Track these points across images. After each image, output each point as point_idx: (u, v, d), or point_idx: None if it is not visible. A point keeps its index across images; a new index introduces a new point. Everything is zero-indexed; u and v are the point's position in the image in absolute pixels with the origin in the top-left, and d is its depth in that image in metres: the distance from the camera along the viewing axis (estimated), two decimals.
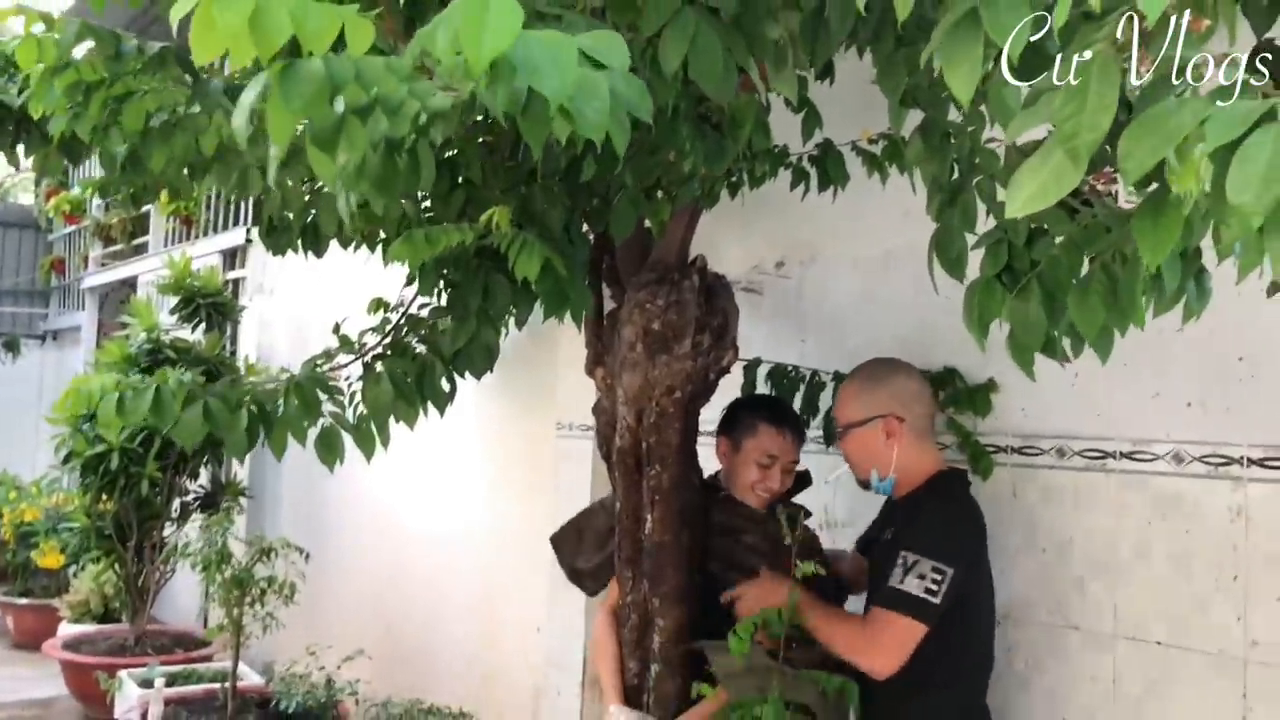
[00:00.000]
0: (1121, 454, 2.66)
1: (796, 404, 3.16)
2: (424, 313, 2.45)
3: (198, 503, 6.40)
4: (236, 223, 7.51)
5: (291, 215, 2.55)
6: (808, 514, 2.80)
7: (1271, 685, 2.35)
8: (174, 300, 6.47)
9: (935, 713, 2.50)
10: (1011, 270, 1.34)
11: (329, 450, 2.17)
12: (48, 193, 11.93)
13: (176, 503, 6.29)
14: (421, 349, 2.32)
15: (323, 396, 2.15)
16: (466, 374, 2.36)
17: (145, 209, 9.08)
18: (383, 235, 2.70)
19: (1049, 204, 0.87)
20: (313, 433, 2.17)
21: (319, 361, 2.27)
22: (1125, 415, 2.66)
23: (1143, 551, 2.60)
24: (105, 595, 6.93)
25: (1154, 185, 0.96)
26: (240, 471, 6.84)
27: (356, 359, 2.32)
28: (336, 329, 2.44)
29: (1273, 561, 2.38)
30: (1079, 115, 0.85)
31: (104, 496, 6.00)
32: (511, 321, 2.73)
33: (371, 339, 2.35)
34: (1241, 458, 2.43)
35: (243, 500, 6.47)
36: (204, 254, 7.54)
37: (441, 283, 2.28)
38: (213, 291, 6.35)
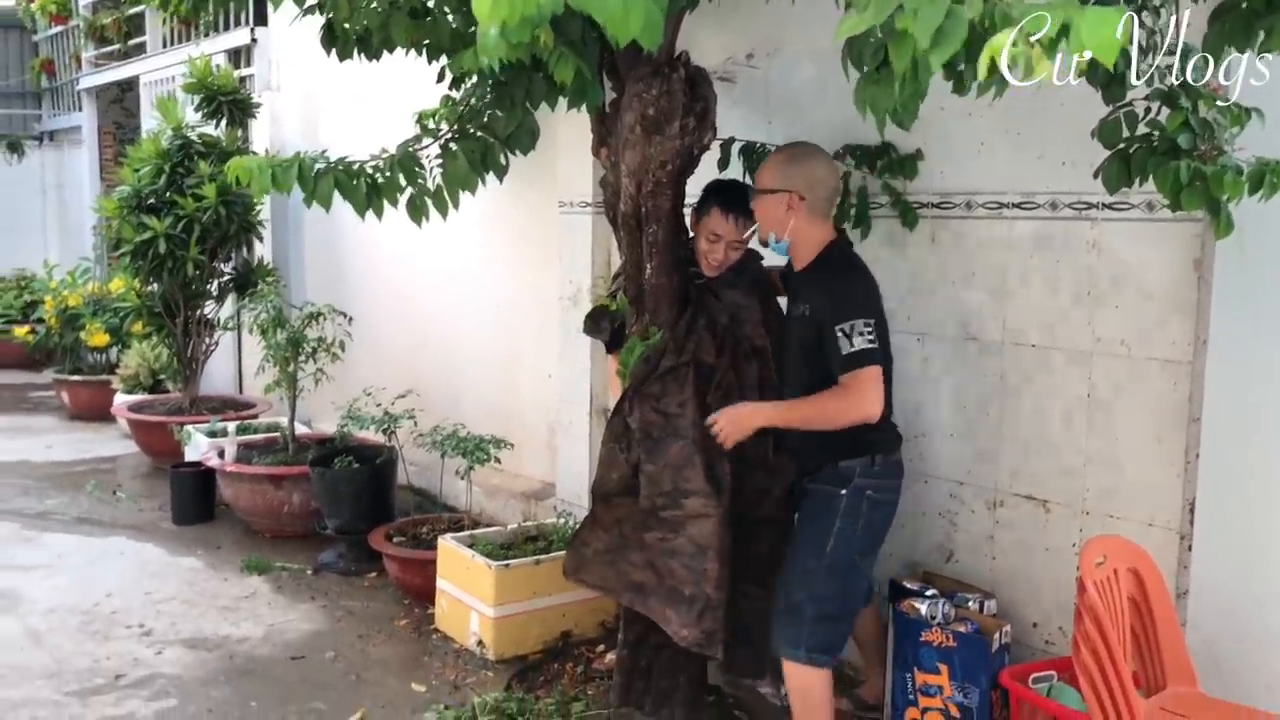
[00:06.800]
0: (1013, 204, 3.44)
1: None
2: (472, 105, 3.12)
3: (232, 283, 7.15)
4: (239, 23, 7.92)
5: (359, 25, 3.15)
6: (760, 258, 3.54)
7: (1108, 370, 3.23)
8: (185, 97, 7.00)
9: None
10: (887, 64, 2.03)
11: (415, 211, 2.91)
12: None
13: (214, 284, 7.04)
14: (480, 134, 3.03)
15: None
16: (517, 151, 3.07)
17: (140, 8, 9.40)
18: (427, 42, 3.34)
19: (868, 25, 1.55)
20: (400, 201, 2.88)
21: (410, 144, 2.98)
22: (1017, 173, 3.42)
23: (1025, 278, 3.42)
24: (153, 369, 7.77)
25: None
26: (265, 254, 7.55)
27: (434, 142, 3.02)
28: (419, 119, 3.13)
29: (1115, 279, 3.20)
30: None
31: (150, 279, 6.74)
32: None
33: (444, 127, 3.05)
34: (1098, 203, 3.21)
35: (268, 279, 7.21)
36: (209, 53, 7.96)
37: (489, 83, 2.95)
38: (231, 89, 6.88)
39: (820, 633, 3.09)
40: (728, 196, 3.47)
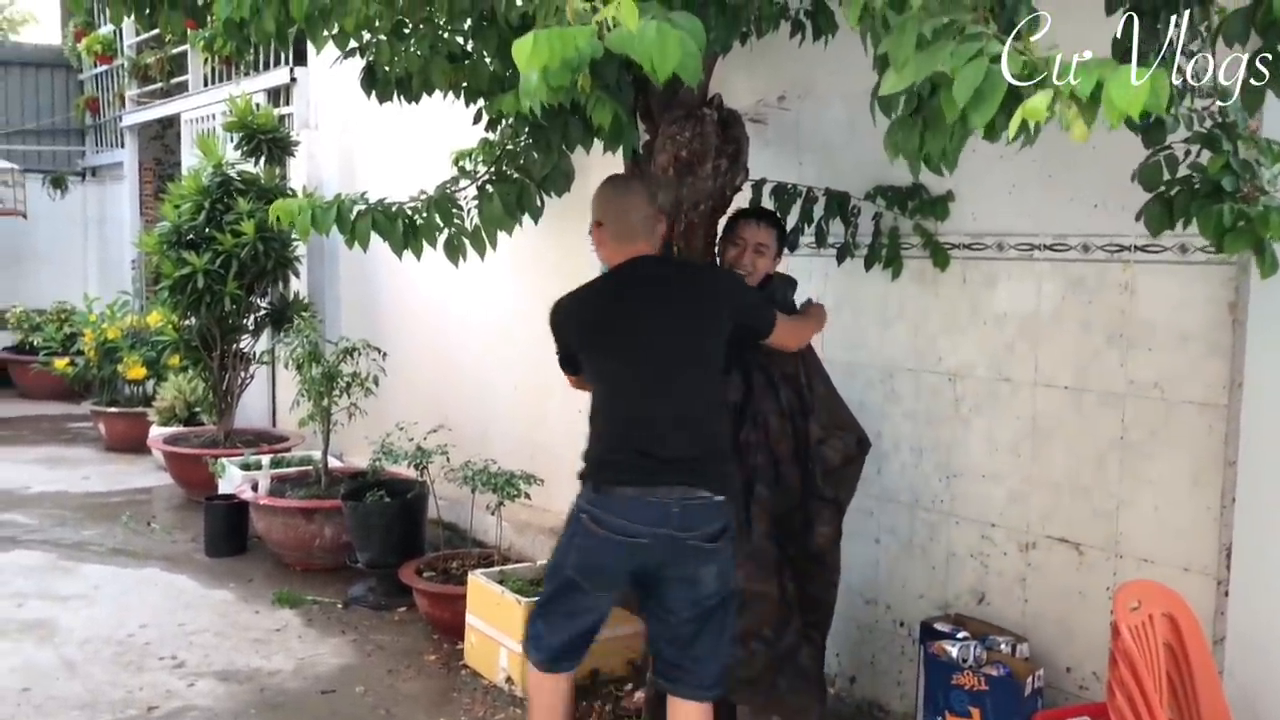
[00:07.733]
0: (1045, 246, 3.45)
1: (794, 215, 3.91)
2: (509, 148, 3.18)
3: (268, 318, 7.24)
4: (279, 63, 8.07)
5: (400, 69, 3.22)
6: (794, 282, 3.60)
7: (1141, 412, 3.21)
8: (224, 135, 7.14)
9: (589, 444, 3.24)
10: (919, 110, 2.06)
11: (453, 251, 2.96)
12: (76, 33, 12.34)
13: (251, 318, 7.14)
14: (516, 175, 3.08)
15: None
16: (552, 193, 3.12)
17: (183, 49, 9.61)
18: (465, 85, 3.40)
19: (907, 85, 1.58)
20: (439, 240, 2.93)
21: (447, 186, 3.04)
22: (1048, 215, 3.43)
23: (1057, 319, 3.42)
24: (188, 402, 7.86)
25: None
26: (302, 289, 7.64)
27: (472, 184, 3.08)
28: (456, 160, 3.19)
29: (1147, 322, 3.19)
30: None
31: (188, 313, 6.84)
32: None
33: (481, 169, 3.10)
34: (1130, 245, 3.22)
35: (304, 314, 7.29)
36: (249, 92, 8.11)
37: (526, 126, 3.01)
38: (271, 128, 7.01)
39: (531, 624, 3.18)
40: (750, 209, 3.63)
